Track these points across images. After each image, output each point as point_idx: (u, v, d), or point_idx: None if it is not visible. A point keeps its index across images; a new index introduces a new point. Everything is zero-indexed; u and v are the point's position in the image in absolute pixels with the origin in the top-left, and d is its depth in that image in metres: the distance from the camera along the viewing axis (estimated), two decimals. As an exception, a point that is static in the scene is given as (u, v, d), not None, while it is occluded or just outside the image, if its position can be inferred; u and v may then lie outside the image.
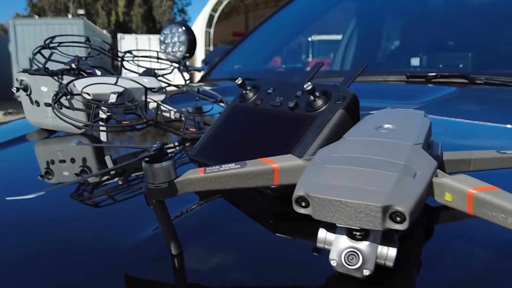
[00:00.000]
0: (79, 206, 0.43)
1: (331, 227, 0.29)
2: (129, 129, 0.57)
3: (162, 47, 1.70)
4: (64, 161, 0.58)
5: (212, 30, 9.93)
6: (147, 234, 0.36)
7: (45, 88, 0.70)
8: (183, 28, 1.68)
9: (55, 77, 0.68)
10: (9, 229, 0.38)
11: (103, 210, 0.42)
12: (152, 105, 0.70)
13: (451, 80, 1.06)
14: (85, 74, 0.69)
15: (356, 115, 0.41)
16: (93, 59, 0.74)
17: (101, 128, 0.58)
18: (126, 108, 0.62)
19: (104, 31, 14.35)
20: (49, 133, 0.74)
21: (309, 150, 0.38)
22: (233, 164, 0.33)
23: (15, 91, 0.72)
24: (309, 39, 2.44)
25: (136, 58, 0.84)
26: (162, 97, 0.69)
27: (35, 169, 0.56)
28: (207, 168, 0.33)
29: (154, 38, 11.03)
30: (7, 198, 0.26)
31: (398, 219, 0.25)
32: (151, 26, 22.68)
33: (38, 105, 0.72)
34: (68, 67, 0.69)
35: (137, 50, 0.83)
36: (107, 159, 0.54)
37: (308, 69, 2.48)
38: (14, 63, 9.51)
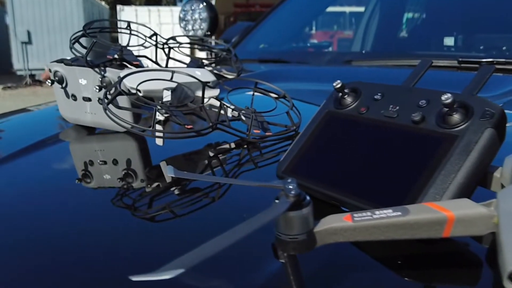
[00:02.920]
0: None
1: None
2: (194, 135, 0.50)
3: (182, 24, 1.60)
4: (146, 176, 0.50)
5: (213, 2, 9.68)
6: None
7: (84, 81, 0.62)
8: (204, 4, 1.58)
9: (97, 69, 0.59)
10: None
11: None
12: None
13: (507, 67, 0.97)
14: (131, 66, 0.61)
15: (503, 135, 0.34)
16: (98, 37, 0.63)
17: (159, 134, 0.50)
18: (179, 106, 0.54)
19: (103, 3, 14.01)
20: (87, 131, 0.67)
21: (455, 180, 0.31)
22: (390, 211, 0.26)
23: (49, 84, 0.63)
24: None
25: (175, 44, 0.75)
26: (216, 92, 0.60)
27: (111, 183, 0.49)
28: (356, 215, 0.26)
29: (154, 10, 10.74)
30: (132, 278, 0.19)
31: None
32: (150, -3, 22.13)
33: (75, 99, 0.64)
34: (111, 57, 0.61)
35: (179, 35, 0.74)
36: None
37: (323, 44, 2.35)
38: (12, 36, 9.28)
